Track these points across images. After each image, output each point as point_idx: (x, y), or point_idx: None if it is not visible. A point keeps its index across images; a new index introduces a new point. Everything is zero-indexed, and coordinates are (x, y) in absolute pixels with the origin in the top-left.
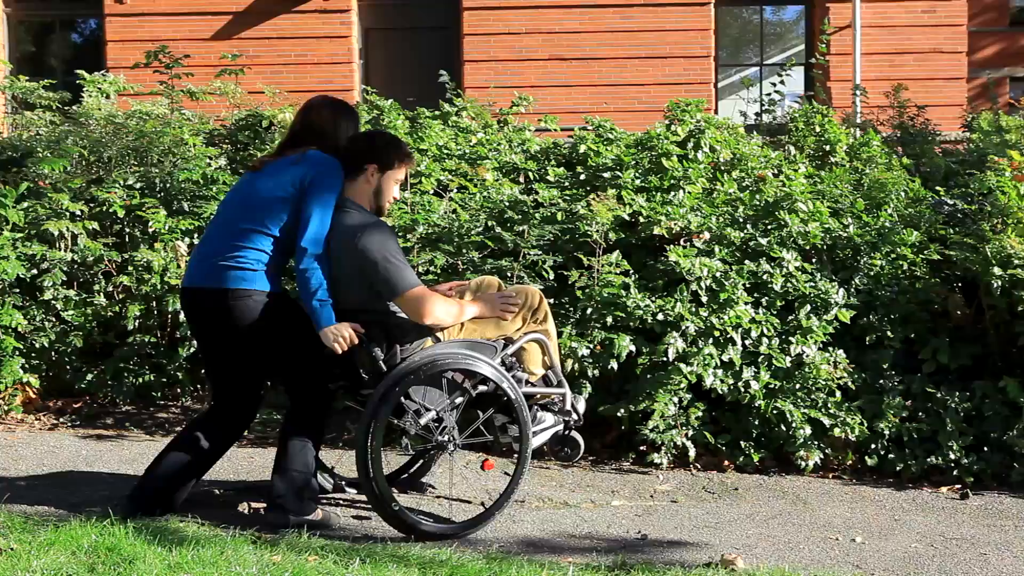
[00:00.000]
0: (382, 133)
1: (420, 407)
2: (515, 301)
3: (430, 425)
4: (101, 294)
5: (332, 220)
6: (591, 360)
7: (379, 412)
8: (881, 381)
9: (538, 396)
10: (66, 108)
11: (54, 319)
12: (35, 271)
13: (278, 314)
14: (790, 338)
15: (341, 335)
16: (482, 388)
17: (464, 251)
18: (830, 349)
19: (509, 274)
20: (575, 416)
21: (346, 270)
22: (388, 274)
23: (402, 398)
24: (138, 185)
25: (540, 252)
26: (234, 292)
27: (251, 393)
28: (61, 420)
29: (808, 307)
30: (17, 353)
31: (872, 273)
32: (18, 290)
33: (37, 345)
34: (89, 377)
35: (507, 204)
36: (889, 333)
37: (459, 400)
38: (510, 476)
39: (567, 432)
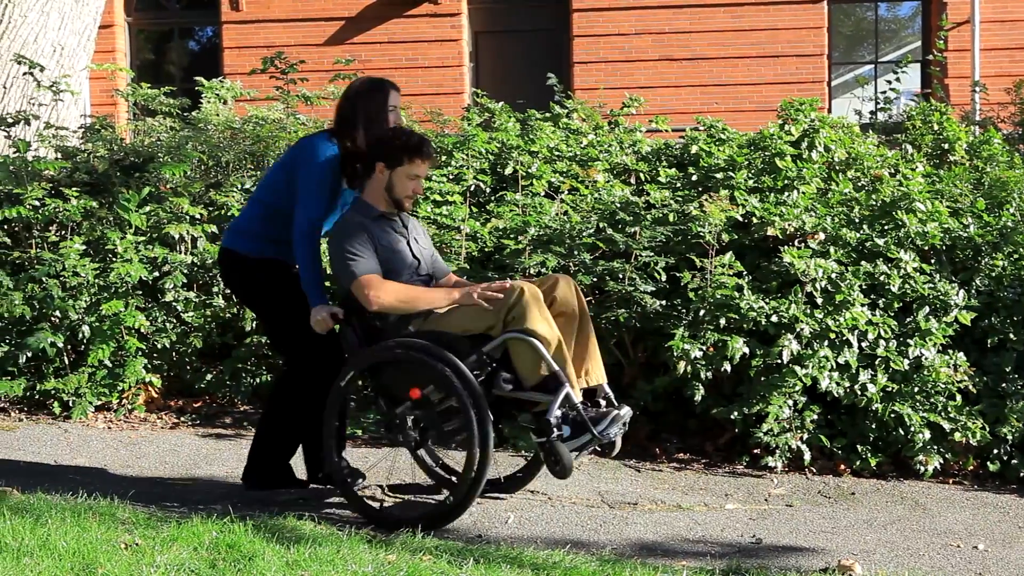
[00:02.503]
0: (399, 131)
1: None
2: (488, 295)
3: (396, 416)
4: (220, 296)
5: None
6: (704, 362)
7: (335, 394)
8: (1003, 385)
9: (540, 403)
10: (185, 114)
11: (175, 320)
12: (157, 273)
13: (257, 277)
14: (908, 340)
15: (318, 316)
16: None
17: (576, 253)
18: (950, 352)
19: (621, 276)
20: (569, 429)
21: (332, 261)
22: (343, 264)
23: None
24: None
25: (652, 253)
26: (226, 250)
27: (287, 349)
28: (182, 419)
29: (927, 309)
30: (140, 353)
31: (994, 274)
32: (140, 292)
33: (159, 346)
34: (208, 377)
35: (618, 205)
36: (1012, 335)
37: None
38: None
39: (548, 440)
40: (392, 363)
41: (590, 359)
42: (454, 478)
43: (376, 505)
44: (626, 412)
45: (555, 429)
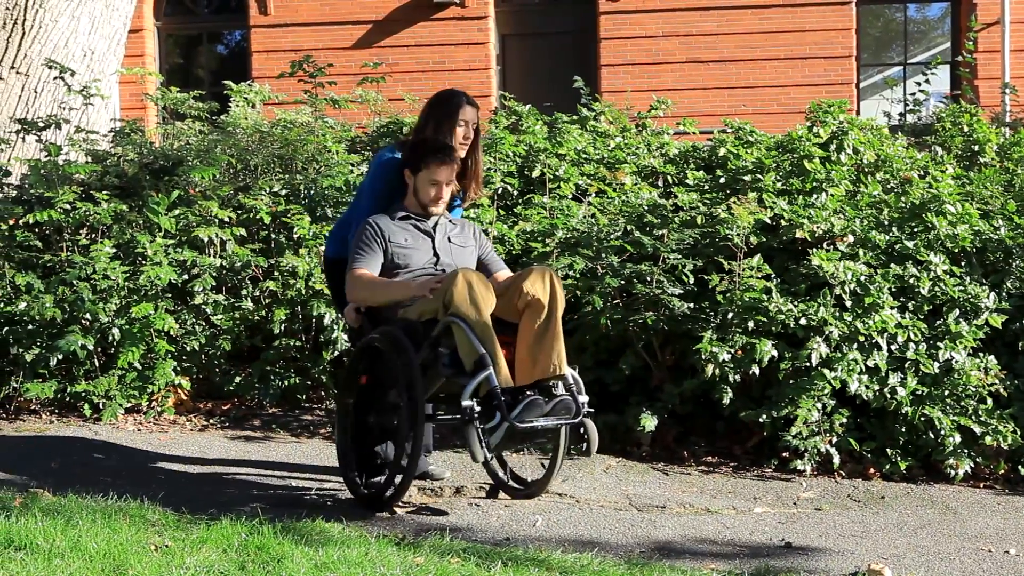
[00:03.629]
0: (424, 139)
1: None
2: (428, 284)
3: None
4: (248, 299)
5: None
6: (732, 365)
7: (343, 384)
8: None
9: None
10: (214, 118)
11: (204, 323)
12: (186, 276)
13: (332, 275)
14: (938, 343)
15: (346, 311)
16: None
17: (603, 255)
18: (980, 355)
19: (649, 278)
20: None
21: None
22: (348, 260)
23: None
24: (283, 192)
25: (680, 256)
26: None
27: None
28: (211, 421)
29: (957, 311)
30: (169, 356)
31: None
32: (170, 295)
33: (188, 348)
34: (237, 380)
35: (646, 208)
36: None
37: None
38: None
39: (466, 420)
40: (371, 351)
41: (551, 349)
42: (513, 483)
43: (359, 484)
44: (558, 400)
45: (467, 412)
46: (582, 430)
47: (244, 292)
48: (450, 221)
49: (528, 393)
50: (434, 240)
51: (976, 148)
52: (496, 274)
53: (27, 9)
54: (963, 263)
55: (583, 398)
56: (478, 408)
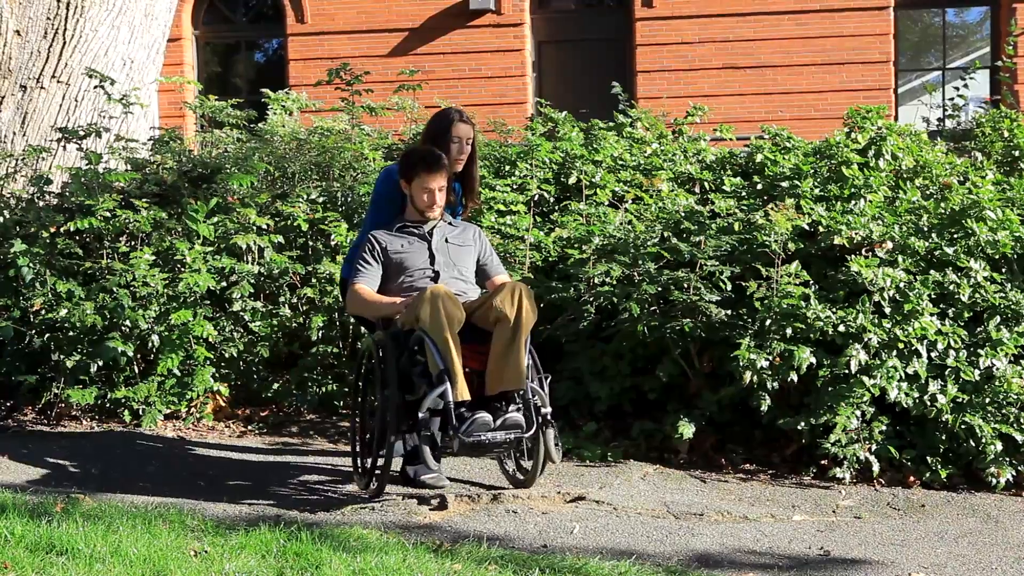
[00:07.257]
0: (415, 150)
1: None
2: (407, 301)
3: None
4: (286, 306)
5: None
6: (770, 372)
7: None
8: None
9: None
10: (252, 126)
11: (242, 330)
12: (224, 283)
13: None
14: (979, 350)
15: None
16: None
17: (640, 262)
18: (1022, 362)
19: (686, 285)
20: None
21: None
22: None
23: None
24: (321, 199)
25: (717, 263)
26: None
27: None
28: (249, 427)
29: (998, 318)
30: (208, 362)
31: None
32: (209, 302)
33: (226, 355)
34: (275, 386)
35: (683, 215)
36: None
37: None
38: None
39: (418, 431)
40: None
41: (509, 366)
42: (520, 475)
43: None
44: (506, 417)
45: (420, 424)
46: (555, 442)
47: (282, 299)
48: (450, 223)
49: (476, 412)
50: (430, 242)
51: (1016, 153)
52: (494, 278)
53: (68, 19)
54: (1004, 270)
55: (546, 409)
56: (431, 419)
